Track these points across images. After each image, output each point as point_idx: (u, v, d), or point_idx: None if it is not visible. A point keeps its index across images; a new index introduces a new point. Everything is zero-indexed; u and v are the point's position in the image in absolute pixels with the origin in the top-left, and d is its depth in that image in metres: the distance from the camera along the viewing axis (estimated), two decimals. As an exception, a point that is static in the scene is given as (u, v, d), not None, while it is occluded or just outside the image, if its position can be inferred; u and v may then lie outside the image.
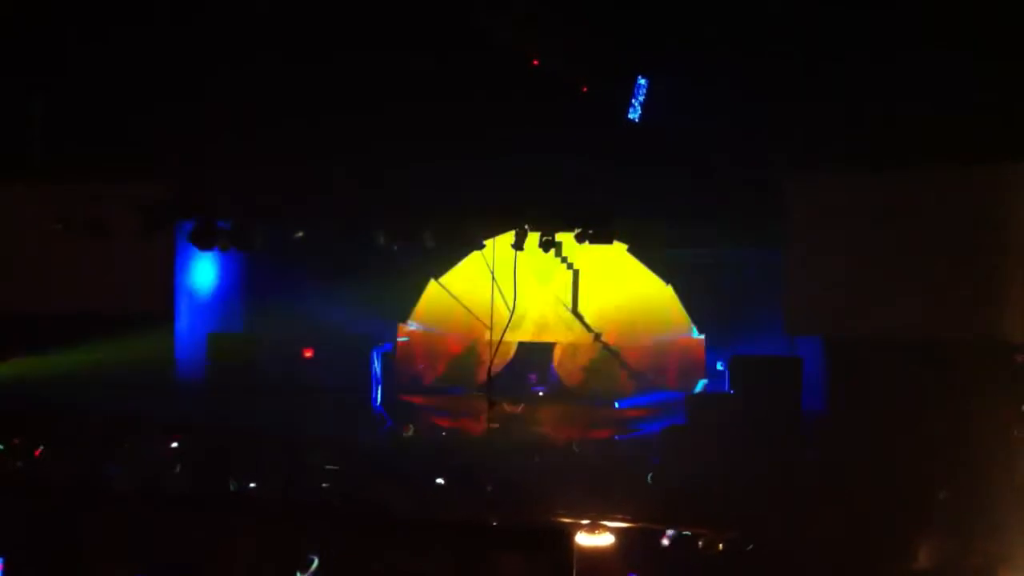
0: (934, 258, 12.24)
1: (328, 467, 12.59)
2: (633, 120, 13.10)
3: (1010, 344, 11.27)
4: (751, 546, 8.52)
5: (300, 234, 16.16)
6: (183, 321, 17.26)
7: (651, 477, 11.43)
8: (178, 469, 12.05)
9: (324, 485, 11.77)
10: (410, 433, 17.89)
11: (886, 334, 13.04)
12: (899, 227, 12.67)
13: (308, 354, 18.68)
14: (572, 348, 18.56)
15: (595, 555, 6.14)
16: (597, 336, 18.38)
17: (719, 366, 17.29)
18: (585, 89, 13.39)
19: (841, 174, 12.97)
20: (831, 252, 13.53)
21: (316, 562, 7.59)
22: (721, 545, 8.00)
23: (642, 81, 13.42)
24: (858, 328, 13.35)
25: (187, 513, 8.54)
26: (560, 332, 18.67)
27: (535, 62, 13.33)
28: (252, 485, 11.04)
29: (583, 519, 6.81)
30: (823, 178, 13.30)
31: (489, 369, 17.89)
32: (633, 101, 13.24)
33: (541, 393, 18.13)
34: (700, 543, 8.00)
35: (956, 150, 11.79)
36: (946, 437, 11.93)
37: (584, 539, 6.25)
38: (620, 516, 7.72)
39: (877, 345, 13.27)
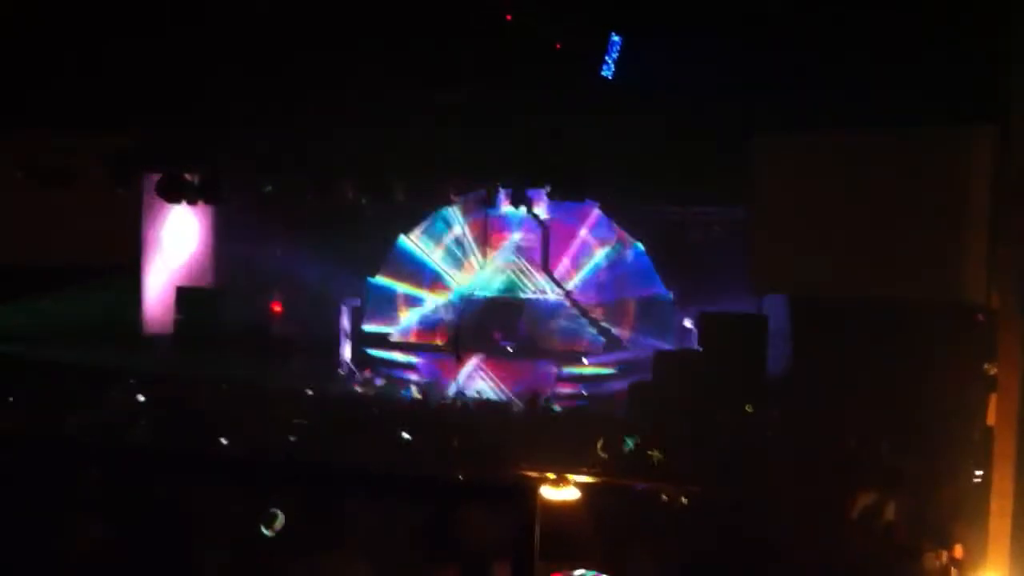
0: (896, 219, 12.30)
1: (295, 421, 12.58)
2: (606, 77, 13.04)
3: (971, 304, 11.37)
4: (712, 500, 8.63)
5: (269, 188, 16.03)
6: (151, 274, 17.13)
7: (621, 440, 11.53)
8: (142, 422, 11.98)
9: (291, 439, 11.76)
10: (369, 377, 17.94)
11: (848, 294, 13.14)
12: (861, 187, 12.74)
13: (277, 308, 18.67)
14: (541, 304, 18.60)
15: (560, 508, 6.20)
16: (567, 293, 18.42)
17: (686, 323, 17.40)
18: (559, 46, 13.30)
19: (804, 133, 13.01)
20: (794, 211, 13.57)
21: (281, 517, 7.58)
22: (685, 499, 8.10)
23: (616, 38, 13.35)
24: (821, 288, 13.44)
25: (148, 468, 8.50)
26: (529, 289, 18.71)
27: (508, 16, 13.22)
28: (222, 441, 11.01)
29: (548, 473, 6.86)
30: (787, 137, 13.34)
31: (457, 325, 17.95)
32: (607, 58, 13.17)
33: (510, 349, 18.17)
34: (664, 497, 8.10)
35: (919, 111, 11.85)
36: (905, 395, 12.09)
37: (549, 492, 6.31)
38: (586, 470, 7.80)
39: (840, 304, 13.39)
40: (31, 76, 14.41)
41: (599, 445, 11.11)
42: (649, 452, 11.19)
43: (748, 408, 13.45)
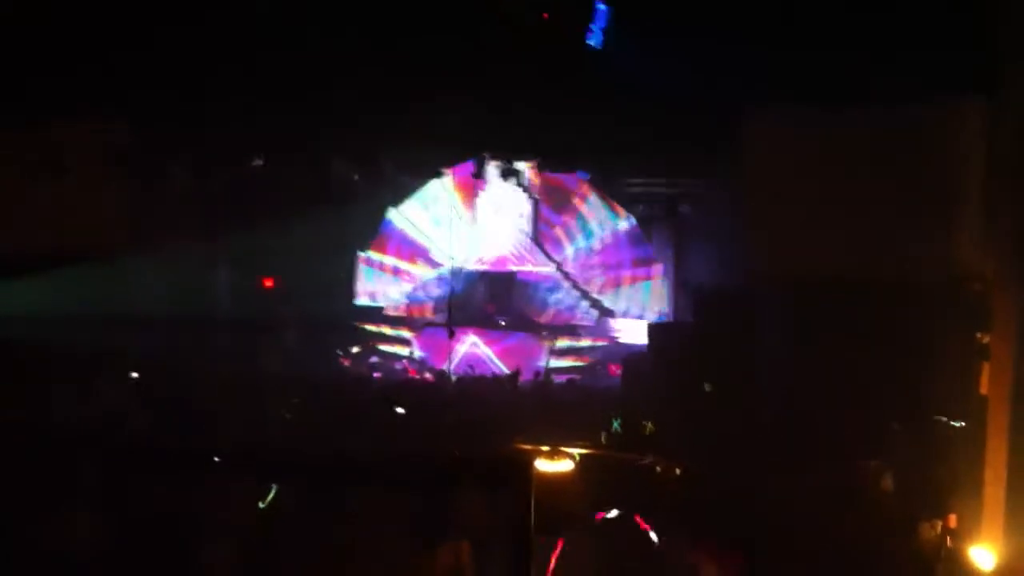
0: (889, 192, 12.29)
1: (292, 400, 12.55)
2: (594, 46, 12.94)
3: (964, 275, 11.36)
4: (705, 472, 8.64)
5: (259, 162, 15.94)
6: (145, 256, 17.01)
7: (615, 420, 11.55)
8: (139, 407, 11.92)
9: (287, 416, 11.74)
10: (358, 352, 17.92)
11: (839, 271, 13.12)
12: (853, 162, 12.72)
13: (268, 284, 18.57)
14: (532, 278, 18.56)
15: (555, 481, 6.20)
16: (558, 266, 18.38)
17: (678, 296, 17.39)
18: (546, 16, 13.19)
19: (796, 107, 12.98)
20: (787, 186, 13.57)
21: (274, 490, 7.58)
22: (679, 471, 8.10)
23: (602, 7, 13.25)
24: (813, 263, 13.43)
25: (146, 456, 8.48)
26: (520, 262, 18.66)
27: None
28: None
29: (543, 446, 6.85)
30: (779, 111, 13.29)
31: (449, 299, 17.91)
32: (593, 27, 13.07)
33: (502, 323, 18.15)
34: (658, 469, 8.10)
35: (906, 85, 11.83)
36: (898, 366, 12.08)
37: (544, 465, 6.30)
38: (580, 443, 7.79)
39: (833, 281, 13.36)
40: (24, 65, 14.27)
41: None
42: (641, 423, 11.20)
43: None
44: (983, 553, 7.19)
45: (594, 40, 12.84)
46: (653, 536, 6.50)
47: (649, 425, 11.21)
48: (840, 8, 12.09)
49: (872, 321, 12.71)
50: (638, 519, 6.64)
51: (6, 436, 7.15)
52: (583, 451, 7.19)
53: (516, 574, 5.28)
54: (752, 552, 6.91)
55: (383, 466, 7.62)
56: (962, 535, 7.91)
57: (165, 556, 6.46)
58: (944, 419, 10.87)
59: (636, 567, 6.59)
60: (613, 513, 6.18)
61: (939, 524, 8.00)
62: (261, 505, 7.56)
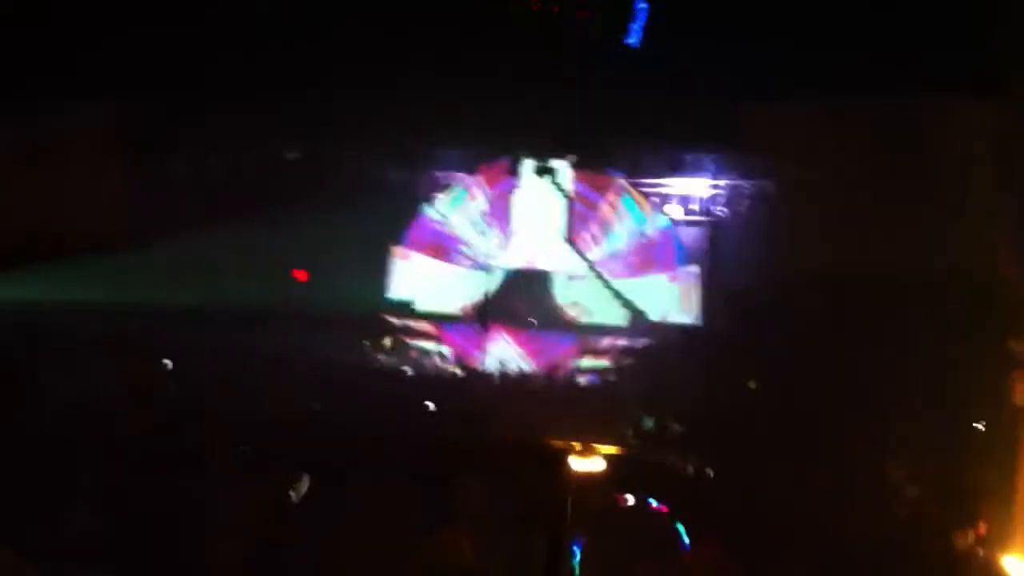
0: (915, 193, 12.21)
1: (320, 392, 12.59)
2: (633, 46, 12.95)
3: (1000, 280, 11.27)
4: (736, 473, 8.63)
5: (294, 155, 16.02)
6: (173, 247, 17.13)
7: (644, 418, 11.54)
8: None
9: (316, 407, 11.79)
10: (389, 346, 17.95)
11: (874, 270, 13.04)
12: (886, 160, 12.64)
13: (301, 276, 18.65)
14: (565, 277, 18.53)
15: (587, 479, 6.18)
16: (590, 265, 18.34)
17: (711, 299, 17.33)
18: (588, 14, 13.19)
19: (826, 105, 12.91)
20: (820, 188, 13.51)
21: (307, 480, 7.63)
22: (710, 472, 8.09)
23: (643, 5, 13.23)
24: (847, 267, 13.35)
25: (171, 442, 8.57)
26: (553, 261, 18.63)
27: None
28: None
29: (574, 443, 6.84)
30: (812, 113, 13.23)
31: (485, 296, 17.91)
32: (632, 26, 13.06)
33: (533, 321, 18.13)
34: (690, 469, 8.09)
35: (939, 82, 11.76)
36: (930, 372, 12.00)
37: (576, 463, 6.29)
38: (610, 441, 7.77)
39: (867, 281, 13.28)
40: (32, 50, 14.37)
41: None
42: (668, 424, 11.17)
43: (752, 384, 13.34)
44: (1016, 562, 7.12)
45: (633, 40, 12.84)
46: (679, 529, 6.48)
47: (676, 425, 11.20)
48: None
49: (906, 324, 12.63)
50: (661, 508, 6.63)
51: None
52: (614, 450, 7.18)
53: (549, 569, 5.31)
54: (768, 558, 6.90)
55: (406, 455, 7.70)
56: (995, 544, 7.84)
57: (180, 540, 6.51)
58: (977, 426, 10.80)
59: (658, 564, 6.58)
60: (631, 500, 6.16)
61: (972, 532, 7.94)
62: (292, 496, 7.60)
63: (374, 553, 6.37)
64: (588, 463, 6.38)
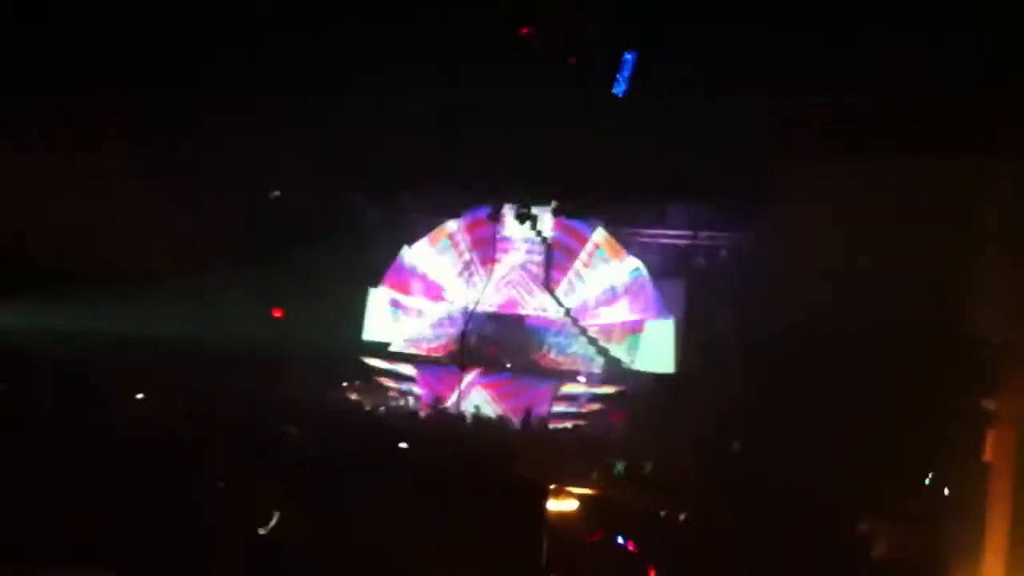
0: (906, 250, 12.33)
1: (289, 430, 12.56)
2: (618, 95, 13.11)
3: (973, 339, 11.38)
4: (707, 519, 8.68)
5: (276, 193, 16.07)
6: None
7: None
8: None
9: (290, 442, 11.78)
10: (364, 387, 17.94)
11: (856, 327, 13.14)
12: (871, 218, 12.78)
13: (277, 314, 18.64)
14: (541, 322, 18.59)
15: (562, 519, 6.24)
16: (567, 312, 18.43)
17: (685, 348, 17.41)
18: (573, 61, 13.33)
19: (818, 162, 13.05)
20: (805, 242, 13.62)
21: (276, 517, 7.63)
22: (684, 516, 8.14)
23: (628, 56, 13.41)
24: (820, 319, 13.45)
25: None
26: (530, 306, 18.71)
27: (524, 30, 13.26)
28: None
29: (548, 485, 6.90)
30: (800, 166, 13.37)
31: (461, 337, 17.93)
32: (619, 76, 13.23)
33: (508, 365, 18.17)
34: (661, 513, 8.14)
35: (933, 144, 11.90)
36: (901, 427, 12.07)
37: (550, 504, 6.35)
38: (583, 484, 7.82)
39: (842, 335, 13.37)
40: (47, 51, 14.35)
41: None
42: (640, 467, 11.21)
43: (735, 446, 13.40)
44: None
45: (618, 89, 13.01)
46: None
47: (647, 465, 11.24)
48: (869, 63, 12.19)
49: (874, 379, 12.72)
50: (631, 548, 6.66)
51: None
52: (588, 491, 7.24)
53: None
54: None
55: (381, 495, 7.71)
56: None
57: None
58: (945, 484, 10.86)
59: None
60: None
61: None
62: (262, 532, 7.60)
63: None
64: (562, 504, 6.44)
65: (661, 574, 6.18)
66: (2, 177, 15.33)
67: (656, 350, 17.83)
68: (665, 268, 17.98)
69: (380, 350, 18.90)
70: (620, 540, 6.23)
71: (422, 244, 19.18)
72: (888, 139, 12.27)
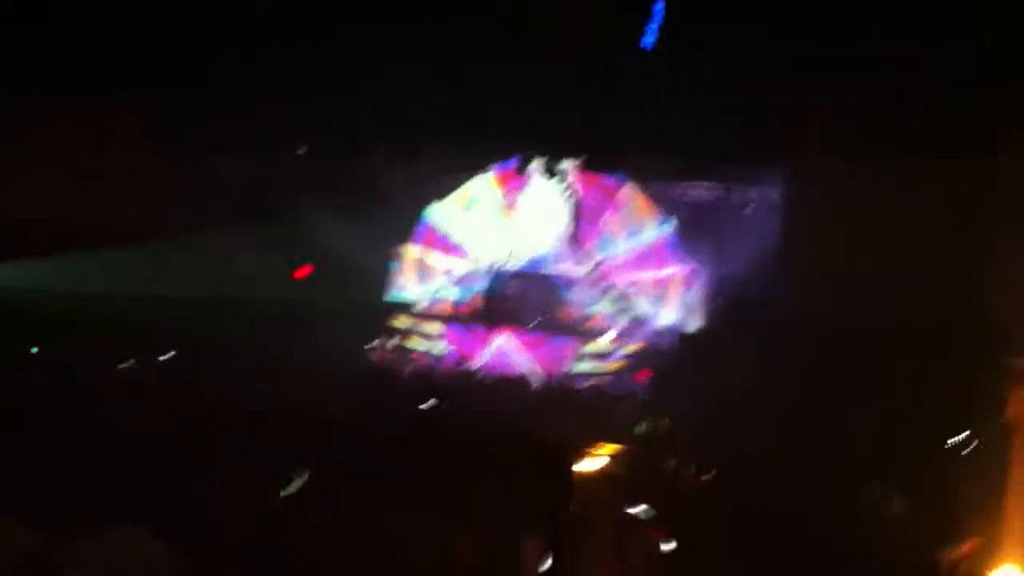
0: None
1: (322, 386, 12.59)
2: (647, 47, 12.95)
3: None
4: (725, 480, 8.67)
5: (302, 151, 16.02)
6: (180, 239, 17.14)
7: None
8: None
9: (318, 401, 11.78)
10: (392, 347, 17.96)
11: (875, 280, 13.05)
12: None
13: (302, 273, 18.65)
14: (568, 279, 18.53)
15: (588, 479, 6.23)
16: (595, 268, 18.35)
17: (714, 304, 17.33)
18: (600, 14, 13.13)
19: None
20: (832, 200, 13.52)
21: (297, 481, 7.63)
22: (704, 475, 8.13)
23: (659, 6, 13.20)
24: (848, 270, 13.36)
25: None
26: (556, 263, 18.64)
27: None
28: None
29: (575, 445, 6.88)
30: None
31: (489, 297, 17.91)
32: (647, 27, 13.04)
33: (534, 323, 18.14)
34: (692, 469, 8.13)
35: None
36: (924, 389, 11.98)
37: (578, 464, 6.33)
38: (608, 442, 7.82)
39: (867, 289, 13.27)
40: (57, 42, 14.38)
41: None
42: (669, 427, 11.19)
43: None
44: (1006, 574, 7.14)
45: (647, 40, 12.85)
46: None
47: (672, 426, 11.21)
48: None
49: (898, 340, 12.62)
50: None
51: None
52: (615, 450, 7.23)
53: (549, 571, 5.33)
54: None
55: (406, 453, 7.71)
56: (982, 561, 7.85)
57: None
58: (966, 442, 10.79)
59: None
60: (638, 509, 6.20)
61: (956, 550, 7.93)
62: (283, 493, 7.60)
63: (372, 550, 6.38)
64: (590, 463, 6.43)
65: (682, 534, 6.17)
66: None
67: (684, 306, 17.76)
68: (694, 223, 17.85)
69: (407, 308, 18.92)
70: (643, 502, 6.24)
71: (447, 202, 19.12)
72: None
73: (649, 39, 12.82)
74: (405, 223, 19.08)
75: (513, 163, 16.84)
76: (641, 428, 11.29)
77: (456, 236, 19.08)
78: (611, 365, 17.46)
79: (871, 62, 11.98)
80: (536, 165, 16.73)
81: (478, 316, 18.01)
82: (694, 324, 17.37)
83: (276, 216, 17.70)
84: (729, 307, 15.94)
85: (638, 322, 17.93)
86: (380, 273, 19.05)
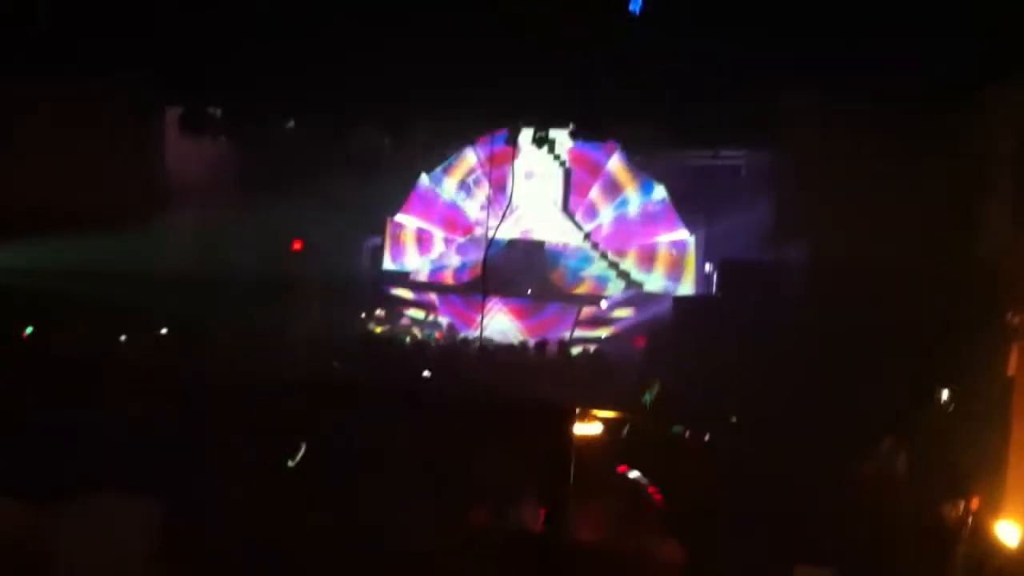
0: (921, 182, 12.23)
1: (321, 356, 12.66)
2: (633, 12, 12.85)
3: (994, 251, 11.28)
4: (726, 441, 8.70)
5: (291, 124, 15.97)
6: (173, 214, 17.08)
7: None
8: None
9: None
10: (384, 316, 18.00)
11: (870, 253, 13.05)
12: (887, 152, 12.66)
13: (297, 246, 18.64)
14: (560, 247, 18.57)
15: (584, 443, 6.25)
16: (587, 235, 18.38)
17: (707, 269, 17.37)
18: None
19: (829, 88, 12.88)
20: (820, 168, 13.51)
21: (304, 448, 7.67)
22: (703, 436, 8.16)
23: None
24: (841, 243, 13.36)
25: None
26: (550, 231, 18.66)
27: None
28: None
29: (572, 410, 6.89)
30: (814, 91, 13.18)
31: (483, 264, 17.92)
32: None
33: (529, 291, 18.18)
34: (687, 434, 8.16)
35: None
36: (920, 342, 12.02)
37: (577, 427, 6.35)
38: (604, 408, 7.83)
39: (864, 256, 13.28)
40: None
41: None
42: (664, 393, 11.23)
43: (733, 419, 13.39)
44: (1008, 528, 7.18)
45: (634, 6, 12.75)
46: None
47: (666, 391, 11.25)
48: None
49: (896, 301, 12.65)
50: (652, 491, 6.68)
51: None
52: (612, 415, 7.25)
53: (548, 535, 5.36)
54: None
55: (404, 422, 7.75)
56: (985, 515, 7.90)
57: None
58: (967, 399, 10.83)
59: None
60: (634, 473, 6.23)
61: (961, 504, 7.98)
62: (290, 464, 7.64)
63: (375, 517, 6.42)
64: (588, 427, 6.46)
65: (678, 498, 6.21)
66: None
67: (676, 272, 17.82)
68: (685, 189, 17.87)
69: (399, 279, 18.94)
70: (639, 468, 6.28)
71: (440, 172, 19.10)
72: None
73: (636, 4, 12.73)
74: (398, 195, 19.07)
75: (504, 133, 16.76)
76: (638, 394, 11.35)
77: (449, 207, 19.07)
78: (605, 331, 17.53)
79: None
80: (527, 135, 16.67)
81: (472, 285, 18.02)
82: (687, 290, 17.41)
83: (267, 189, 17.65)
84: (722, 273, 15.94)
85: (631, 289, 17.99)
86: (373, 244, 19.06)
